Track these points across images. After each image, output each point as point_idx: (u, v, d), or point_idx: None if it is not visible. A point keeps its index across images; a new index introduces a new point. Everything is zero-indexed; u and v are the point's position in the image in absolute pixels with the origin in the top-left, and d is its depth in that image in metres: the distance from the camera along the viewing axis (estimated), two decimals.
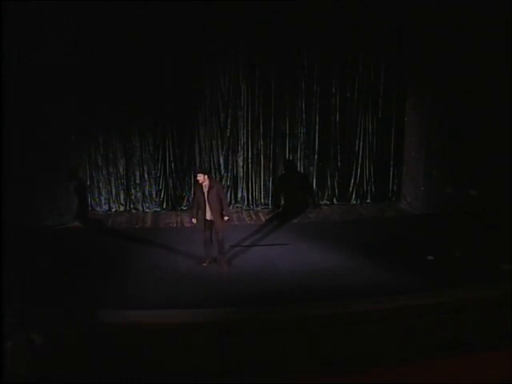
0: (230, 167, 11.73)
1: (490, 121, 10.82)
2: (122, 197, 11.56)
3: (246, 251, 9.68)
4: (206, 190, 8.55)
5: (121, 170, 11.44)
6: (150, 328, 6.80)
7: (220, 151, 11.67)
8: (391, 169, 12.17)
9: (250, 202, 11.89)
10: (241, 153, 11.72)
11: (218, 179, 11.30)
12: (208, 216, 8.62)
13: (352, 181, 12.09)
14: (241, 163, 11.75)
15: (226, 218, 8.65)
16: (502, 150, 10.73)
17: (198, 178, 8.58)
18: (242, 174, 11.80)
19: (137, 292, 7.98)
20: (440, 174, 11.25)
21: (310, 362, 5.84)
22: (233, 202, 11.79)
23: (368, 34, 11.26)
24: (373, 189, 12.21)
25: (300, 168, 11.97)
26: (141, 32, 10.45)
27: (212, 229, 8.67)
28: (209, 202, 8.54)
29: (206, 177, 8.61)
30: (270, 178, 11.90)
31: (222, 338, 6.49)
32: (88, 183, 11.29)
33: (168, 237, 10.38)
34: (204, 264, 8.94)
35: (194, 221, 8.76)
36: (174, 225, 11.09)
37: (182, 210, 11.68)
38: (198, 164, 11.52)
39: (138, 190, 11.56)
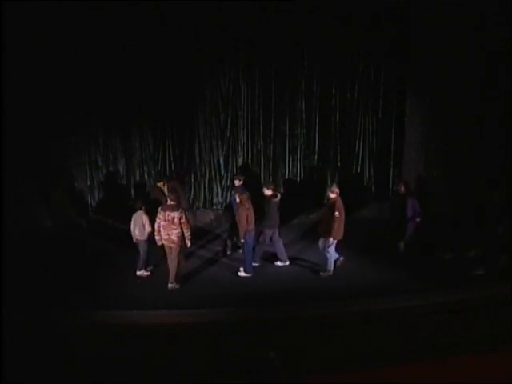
0: (230, 167, 11.72)
1: (490, 121, 10.81)
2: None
3: None
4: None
5: (121, 170, 11.43)
6: (149, 328, 6.81)
7: (220, 151, 11.65)
8: (391, 169, 12.15)
9: None
10: (241, 153, 11.71)
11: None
12: None
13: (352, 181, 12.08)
14: (241, 163, 11.74)
15: None
16: (503, 150, 10.72)
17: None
18: None
19: (137, 292, 7.99)
20: (440, 174, 11.24)
21: (310, 362, 5.84)
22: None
23: (368, 34, 11.23)
24: (373, 189, 12.19)
25: (300, 168, 11.96)
26: (141, 32, 10.42)
27: None
28: None
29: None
30: (270, 178, 11.89)
31: (222, 338, 6.49)
32: (88, 183, 11.28)
33: None
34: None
35: None
36: None
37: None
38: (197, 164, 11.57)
39: (138, 189, 11.54)
